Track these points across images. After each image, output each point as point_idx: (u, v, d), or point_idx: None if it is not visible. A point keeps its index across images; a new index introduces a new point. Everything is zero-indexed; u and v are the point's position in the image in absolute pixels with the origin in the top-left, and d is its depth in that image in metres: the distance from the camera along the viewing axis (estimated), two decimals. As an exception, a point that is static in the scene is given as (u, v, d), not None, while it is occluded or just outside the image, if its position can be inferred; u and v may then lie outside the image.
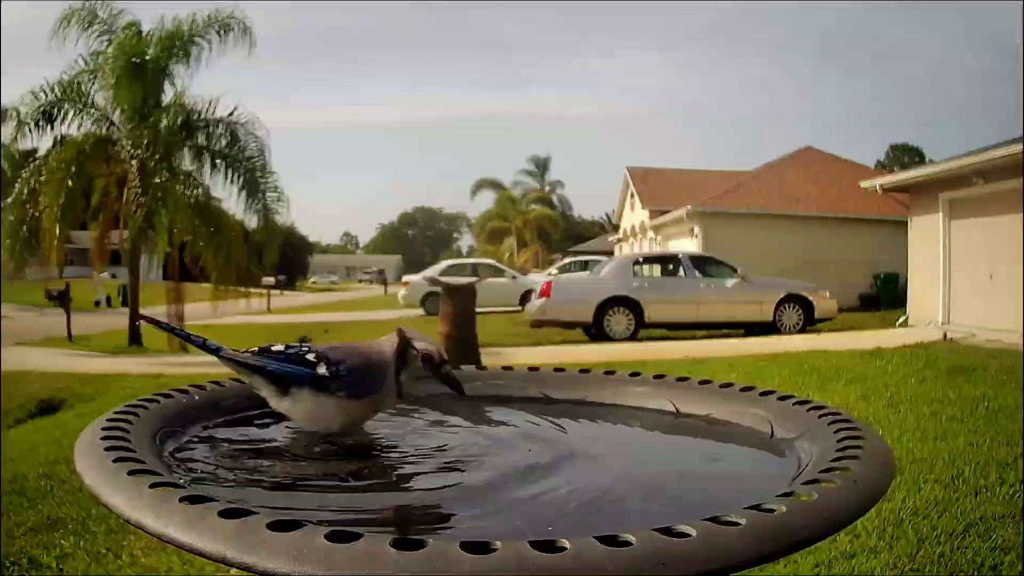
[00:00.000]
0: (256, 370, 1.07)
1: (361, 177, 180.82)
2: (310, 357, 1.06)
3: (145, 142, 12.93)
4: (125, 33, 13.15)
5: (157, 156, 12.96)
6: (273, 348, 1.09)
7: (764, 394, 1.16)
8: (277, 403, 1.08)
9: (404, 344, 1.06)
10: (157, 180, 12.81)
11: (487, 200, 52.31)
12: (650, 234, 25.62)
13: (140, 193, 12.76)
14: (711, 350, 9.86)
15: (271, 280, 27.20)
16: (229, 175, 13.51)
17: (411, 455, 1.06)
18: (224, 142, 13.61)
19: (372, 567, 0.59)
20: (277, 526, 0.63)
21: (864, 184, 15.17)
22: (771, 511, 0.68)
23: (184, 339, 1.12)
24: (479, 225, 53.95)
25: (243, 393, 1.23)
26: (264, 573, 0.61)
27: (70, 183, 12.58)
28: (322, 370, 1.05)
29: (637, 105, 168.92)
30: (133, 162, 12.92)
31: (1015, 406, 5.27)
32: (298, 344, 1.11)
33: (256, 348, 1.09)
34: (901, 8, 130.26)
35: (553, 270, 24.80)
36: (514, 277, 21.71)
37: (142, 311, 13.43)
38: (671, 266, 13.84)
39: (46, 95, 13.00)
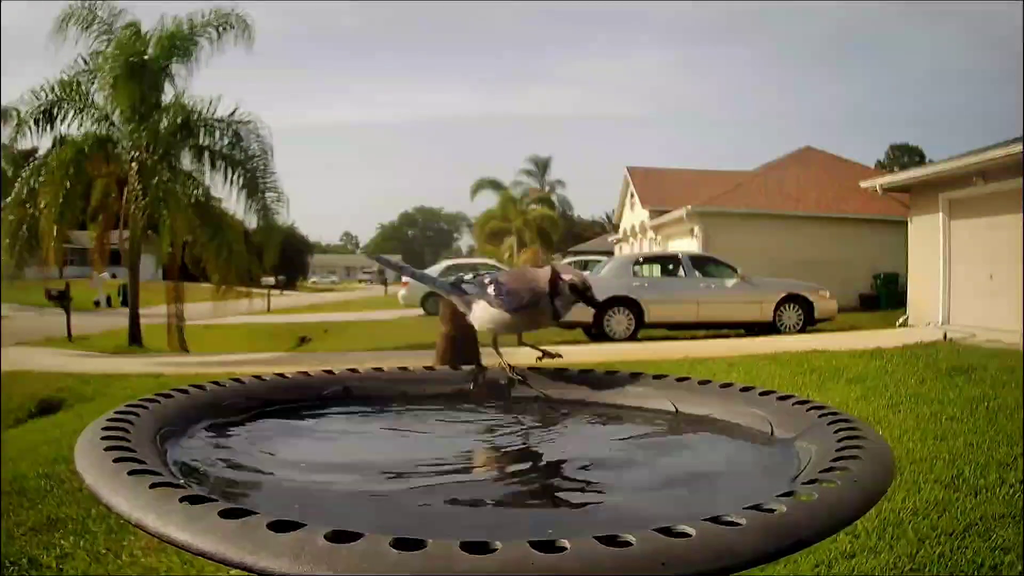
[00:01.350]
0: (453, 290, 1.43)
1: (361, 177, 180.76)
2: (486, 281, 1.37)
3: (144, 143, 12.92)
4: (124, 33, 13.15)
5: (156, 157, 12.96)
6: (465, 278, 1.43)
7: (764, 394, 1.16)
8: (466, 312, 1.40)
9: (555, 276, 1.32)
10: (155, 180, 12.80)
11: (487, 200, 52.25)
12: (650, 234, 25.61)
13: (140, 194, 12.76)
14: (711, 350, 9.85)
15: (271, 280, 27.19)
16: (229, 175, 13.51)
17: None
18: (225, 142, 13.61)
19: (372, 567, 0.59)
20: (277, 526, 0.63)
21: (864, 184, 15.16)
22: (771, 511, 0.68)
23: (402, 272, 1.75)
24: (479, 225, 53.85)
25: (243, 393, 1.23)
26: (264, 573, 0.61)
27: (69, 183, 12.57)
28: (490, 290, 1.34)
29: (637, 105, 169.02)
30: (133, 164, 12.92)
31: (1015, 406, 5.27)
32: (484, 273, 1.45)
33: (453, 278, 1.48)
34: (901, 8, 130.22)
35: (553, 270, 24.74)
36: (514, 277, 21.66)
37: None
38: (671, 266, 13.84)
39: (46, 95, 13.01)
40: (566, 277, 1.31)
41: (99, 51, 13.21)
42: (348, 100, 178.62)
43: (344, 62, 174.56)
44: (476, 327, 1.39)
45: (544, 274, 1.33)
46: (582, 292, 1.30)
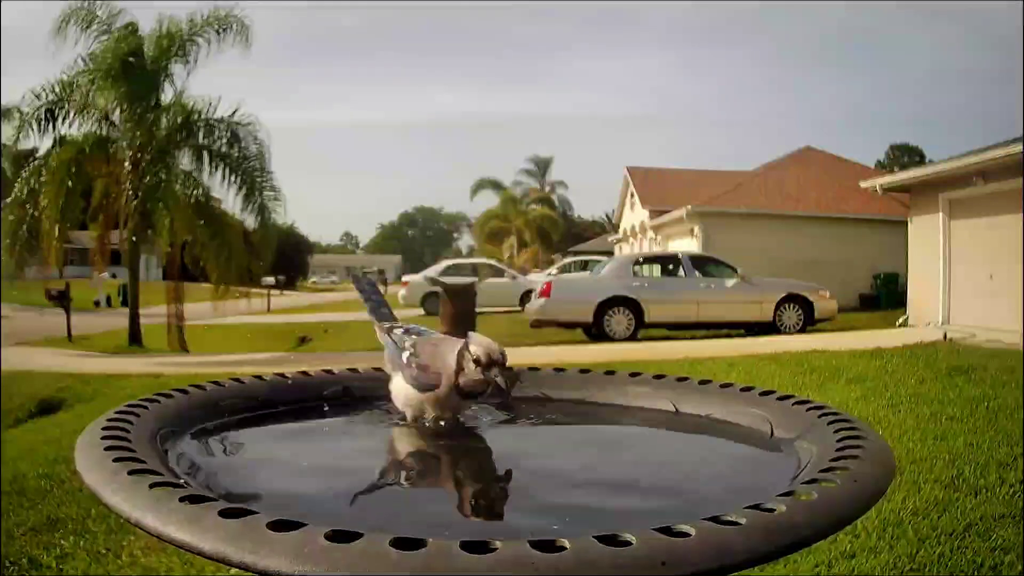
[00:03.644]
0: (387, 338, 1.17)
1: (361, 177, 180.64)
2: (407, 344, 1.13)
3: (138, 143, 12.93)
4: (122, 33, 13.16)
5: (149, 157, 12.96)
6: (397, 330, 1.17)
7: (764, 394, 1.16)
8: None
9: (464, 346, 1.08)
10: (148, 179, 12.80)
11: (487, 200, 52.36)
12: (650, 234, 25.62)
13: (131, 194, 12.78)
14: (711, 350, 9.85)
15: (271, 280, 27.19)
16: (226, 175, 13.52)
17: None
18: (224, 142, 13.62)
19: (372, 567, 0.59)
20: (277, 525, 0.63)
21: (864, 184, 15.17)
22: (771, 511, 0.68)
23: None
24: (479, 225, 53.94)
25: (243, 393, 1.23)
26: (264, 573, 0.61)
27: (70, 183, 12.59)
28: (405, 355, 1.12)
29: (637, 105, 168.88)
30: (126, 164, 12.94)
31: (1015, 406, 5.27)
32: (411, 328, 1.18)
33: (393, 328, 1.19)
34: (901, 8, 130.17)
35: (553, 270, 24.81)
36: (514, 277, 21.72)
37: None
38: (671, 266, 13.85)
39: (46, 95, 13.02)
40: (472, 349, 1.06)
41: (99, 51, 13.23)
42: (348, 100, 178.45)
43: (344, 62, 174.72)
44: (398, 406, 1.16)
45: (454, 346, 1.09)
46: (485, 368, 1.05)
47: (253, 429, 1.18)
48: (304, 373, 1.37)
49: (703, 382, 1.26)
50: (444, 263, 23.71)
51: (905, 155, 55.70)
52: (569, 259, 29.51)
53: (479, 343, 1.07)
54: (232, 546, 0.63)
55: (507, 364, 1.07)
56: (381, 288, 1.42)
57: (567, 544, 0.61)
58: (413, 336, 1.14)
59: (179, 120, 13.41)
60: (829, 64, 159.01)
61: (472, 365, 1.06)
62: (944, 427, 4.81)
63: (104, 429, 0.91)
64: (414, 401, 1.11)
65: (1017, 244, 10.31)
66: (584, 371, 1.38)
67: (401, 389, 1.13)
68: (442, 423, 1.12)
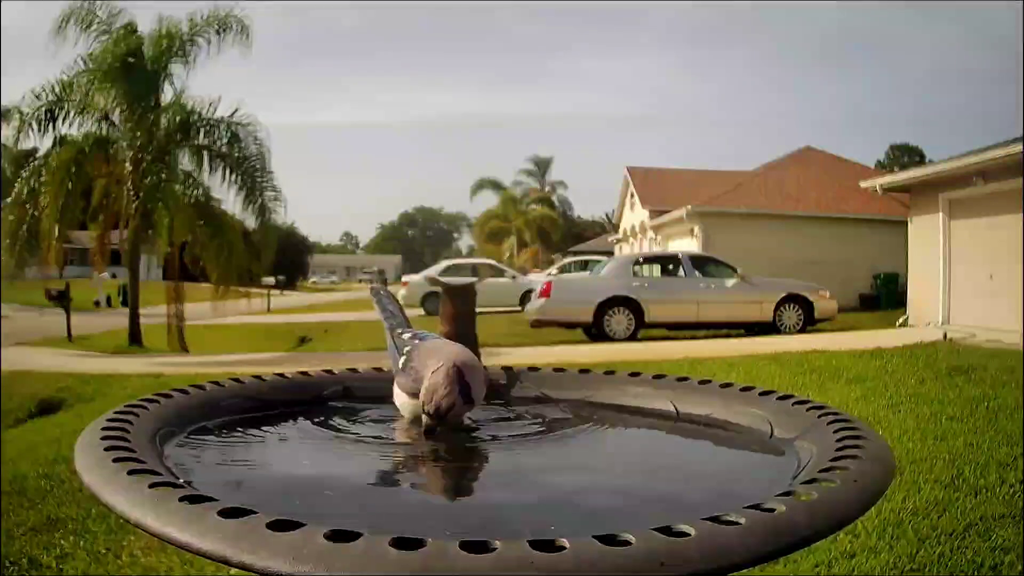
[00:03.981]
0: (392, 343, 1.16)
1: (361, 177, 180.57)
2: (407, 350, 1.11)
3: (138, 143, 12.94)
4: (121, 33, 13.16)
5: (149, 157, 12.97)
6: (404, 336, 1.15)
7: (764, 394, 1.16)
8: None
9: (429, 373, 1.02)
10: (148, 179, 12.81)
11: (487, 200, 52.40)
12: (650, 234, 25.62)
13: (132, 193, 12.79)
14: (711, 350, 9.85)
15: (271, 280, 27.21)
16: (227, 175, 13.53)
17: None
18: (224, 142, 13.62)
19: (372, 567, 0.59)
20: (277, 525, 0.63)
21: (864, 184, 15.18)
22: (771, 511, 0.68)
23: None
24: (479, 225, 53.96)
25: (242, 393, 1.23)
26: (264, 573, 0.61)
27: (70, 183, 12.60)
28: (401, 360, 1.11)
29: (637, 105, 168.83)
30: (126, 164, 12.95)
31: (1015, 406, 5.27)
32: (413, 333, 1.16)
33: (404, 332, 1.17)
34: (901, 8, 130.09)
35: (553, 270, 24.81)
36: (514, 277, 21.73)
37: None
38: (671, 266, 13.86)
39: (46, 95, 13.02)
40: (424, 390, 1.02)
41: (98, 51, 13.23)
42: (348, 100, 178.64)
43: (344, 62, 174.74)
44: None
45: (443, 358, 1.04)
46: (428, 413, 1.01)
47: (252, 429, 1.18)
48: (304, 373, 1.37)
49: (703, 382, 1.25)
50: (444, 263, 23.71)
51: (905, 155, 55.68)
52: (569, 259, 29.51)
53: (430, 388, 1.01)
54: (232, 546, 0.63)
55: (452, 421, 1.02)
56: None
57: (566, 544, 0.61)
58: (415, 341, 1.13)
59: (179, 120, 13.41)
60: (829, 64, 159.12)
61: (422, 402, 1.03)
62: (944, 427, 4.81)
63: (104, 429, 0.91)
64: (409, 405, 1.11)
65: (1017, 244, 10.31)
66: (584, 371, 1.38)
67: (399, 392, 1.13)
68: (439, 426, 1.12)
